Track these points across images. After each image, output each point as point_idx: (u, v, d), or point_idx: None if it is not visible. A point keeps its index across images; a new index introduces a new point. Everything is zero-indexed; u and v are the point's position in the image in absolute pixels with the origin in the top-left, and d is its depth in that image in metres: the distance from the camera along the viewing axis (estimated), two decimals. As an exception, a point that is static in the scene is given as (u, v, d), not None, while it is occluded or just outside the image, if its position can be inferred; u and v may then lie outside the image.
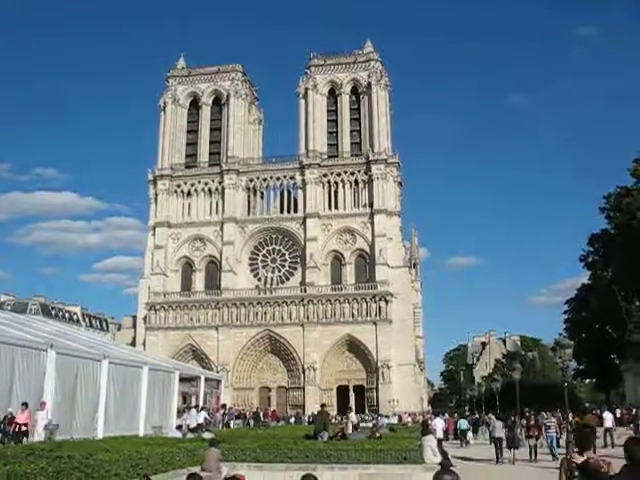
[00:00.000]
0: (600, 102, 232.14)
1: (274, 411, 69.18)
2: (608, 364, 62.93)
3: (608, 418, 35.10)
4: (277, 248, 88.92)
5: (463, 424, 42.28)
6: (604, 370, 63.55)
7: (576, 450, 8.47)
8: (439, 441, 27.33)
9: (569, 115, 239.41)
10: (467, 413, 56.60)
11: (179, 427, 30.35)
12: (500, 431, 30.48)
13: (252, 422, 53.59)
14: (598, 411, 45.15)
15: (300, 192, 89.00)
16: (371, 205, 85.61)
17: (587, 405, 73.58)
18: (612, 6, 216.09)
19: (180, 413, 35.65)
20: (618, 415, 47.45)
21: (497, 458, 29.02)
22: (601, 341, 61.31)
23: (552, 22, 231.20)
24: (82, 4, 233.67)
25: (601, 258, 63.03)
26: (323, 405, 32.18)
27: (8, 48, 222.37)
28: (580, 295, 66.35)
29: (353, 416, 38.77)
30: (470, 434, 42.35)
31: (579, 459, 8.04)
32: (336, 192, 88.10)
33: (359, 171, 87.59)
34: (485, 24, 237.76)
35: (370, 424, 46.16)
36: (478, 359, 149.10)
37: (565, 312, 67.98)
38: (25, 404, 20.81)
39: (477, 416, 55.40)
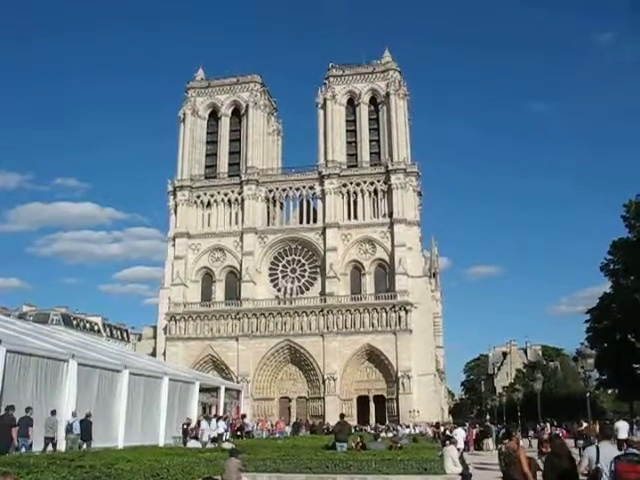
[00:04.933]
0: (620, 109, 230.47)
1: (307, 421, 69.45)
2: (631, 374, 62.14)
3: (623, 428, 29.58)
4: (297, 258, 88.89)
5: None
6: (627, 380, 62.73)
7: None
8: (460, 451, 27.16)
9: (589, 123, 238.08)
10: (487, 423, 56.07)
11: (195, 437, 30.29)
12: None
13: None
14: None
15: (319, 202, 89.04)
16: (390, 215, 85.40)
17: (611, 414, 72.79)
18: (628, 10, 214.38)
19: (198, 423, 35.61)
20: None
21: None
22: (624, 351, 60.52)
23: (570, 29, 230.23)
24: (100, 11, 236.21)
25: (623, 266, 62.28)
26: (342, 415, 32.04)
27: (32, 52, 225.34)
28: (602, 304, 65.46)
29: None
30: (528, 442, 41.32)
31: None
32: (355, 202, 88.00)
33: (378, 181, 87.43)
34: (503, 32, 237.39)
35: (390, 434, 46.00)
36: (499, 369, 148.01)
37: (587, 321, 67.08)
38: None
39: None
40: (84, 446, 23.22)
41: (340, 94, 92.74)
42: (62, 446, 22.70)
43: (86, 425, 23.70)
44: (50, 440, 22.39)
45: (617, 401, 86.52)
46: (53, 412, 22.63)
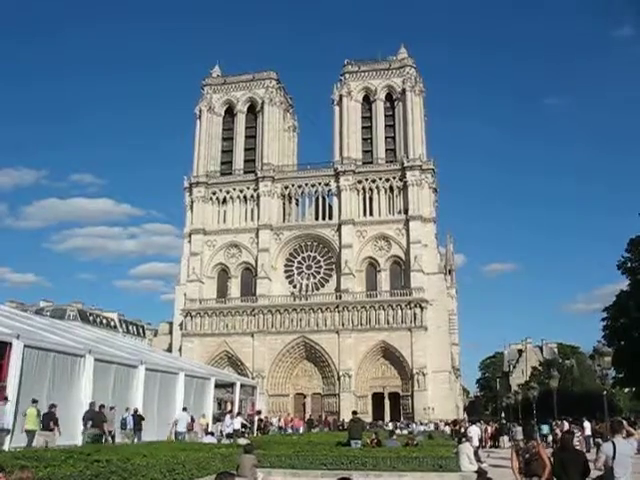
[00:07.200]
0: (636, 106, 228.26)
1: (326, 417, 69.53)
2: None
3: None
4: (312, 255, 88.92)
5: (544, 429, 42.03)
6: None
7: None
8: (475, 449, 27.11)
9: (605, 121, 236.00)
10: (517, 419, 55.75)
11: (211, 433, 30.25)
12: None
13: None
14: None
15: (335, 199, 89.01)
16: (406, 212, 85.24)
17: (627, 414, 72.27)
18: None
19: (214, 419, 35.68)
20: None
21: None
22: (641, 349, 60.10)
23: (587, 25, 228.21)
24: (116, 7, 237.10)
25: (640, 264, 61.86)
26: (355, 412, 32.08)
27: (39, 47, 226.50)
28: (619, 302, 64.95)
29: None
30: (551, 438, 41.15)
31: None
32: (371, 199, 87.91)
33: (394, 177, 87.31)
34: (519, 28, 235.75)
35: (406, 431, 45.90)
36: (514, 367, 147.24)
37: (603, 319, 66.58)
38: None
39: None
40: (135, 439, 25.52)
41: (356, 90, 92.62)
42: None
43: (138, 419, 26.23)
44: (110, 433, 24.28)
45: (634, 400, 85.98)
46: (111, 408, 24.78)
